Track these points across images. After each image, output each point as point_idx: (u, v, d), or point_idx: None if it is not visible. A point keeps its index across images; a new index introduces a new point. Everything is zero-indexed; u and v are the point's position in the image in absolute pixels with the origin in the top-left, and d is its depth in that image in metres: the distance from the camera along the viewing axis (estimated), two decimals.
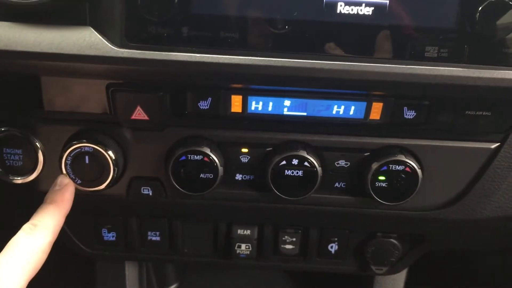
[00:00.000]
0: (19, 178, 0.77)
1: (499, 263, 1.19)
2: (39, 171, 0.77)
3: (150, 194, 0.81)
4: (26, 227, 0.65)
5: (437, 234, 0.90)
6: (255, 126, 0.77)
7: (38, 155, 0.76)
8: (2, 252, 0.62)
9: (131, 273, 1.09)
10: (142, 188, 0.81)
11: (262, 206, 0.84)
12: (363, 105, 0.73)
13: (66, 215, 0.70)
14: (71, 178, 0.74)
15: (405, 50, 0.65)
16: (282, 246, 0.94)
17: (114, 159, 0.75)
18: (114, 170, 0.75)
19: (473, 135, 0.77)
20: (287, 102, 0.73)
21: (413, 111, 0.73)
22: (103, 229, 0.93)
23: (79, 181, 0.75)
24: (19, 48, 0.62)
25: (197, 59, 0.64)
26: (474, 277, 1.27)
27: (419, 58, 0.65)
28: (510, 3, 0.61)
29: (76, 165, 0.74)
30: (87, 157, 0.74)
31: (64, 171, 0.74)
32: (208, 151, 0.75)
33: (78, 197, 0.73)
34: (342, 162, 0.79)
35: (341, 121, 0.75)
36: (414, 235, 0.93)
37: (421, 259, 0.98)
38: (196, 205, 0.84)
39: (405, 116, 0.73)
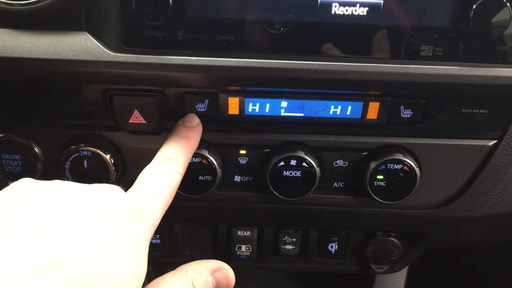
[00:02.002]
0: None
1: (501, 261, 1.19)
2: (38, 176, 0.77)
3: None
4: (161, 159, 0.62)
5: (437, 232, 0.91)
6: (253, 127, 0.77)
7: (36, 160, 0.76)
8: (138, 183, 0.58)
9: None
10: None
11: (261, 207, 0.84)
12: (359, 105, 0.73)
13: (192, 155, 0.67)
14: None
15: (401, 50, 0.65)
16: (282, 246, 0.94)
17: (113, 163, 0.75)
18: (113, 173, 0.75)
19: (471, 133, 0.77)
20: (284, 104, 0.73)
21: (410, 110, 0.73)
22: None
23: None
24: (15, 54, 0.62)
25: (193, 62, 0.64)
26: (476, 275, 1.27)
27: (415, 57, 0.65)
28: (504, 1, 0.61)
29: (75, 170, 0.74)
30: (85, 161, 0.74)
31: (63, 176, 0.74)
32: (206, 153, 0.75)
33: None
34: (340, 162, 0.79)
35: (338, 121, 0.75)
36: (414, 233, 0.93)
37: (422, 257, 0.98)
38: (196, 207, 0.84)
39: (402, 115, 0.73)
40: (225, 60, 0.64)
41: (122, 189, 0.56)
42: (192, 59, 0.64)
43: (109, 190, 0.54)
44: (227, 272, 0.61)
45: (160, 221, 0.57)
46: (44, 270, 0.43)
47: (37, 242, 0.44)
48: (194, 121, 0.70)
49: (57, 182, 0.52)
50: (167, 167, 0.61)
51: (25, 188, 0.50)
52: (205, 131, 0.75)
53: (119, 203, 0.53)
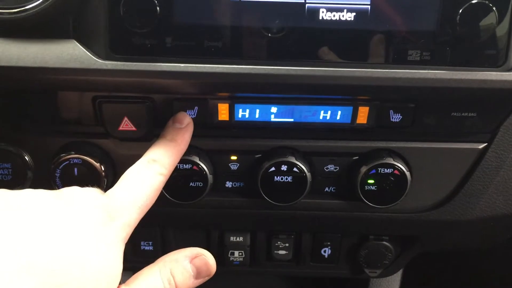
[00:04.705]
0: None
1: (495, 263, 1.19)
2: (29, 185, 0.77)
3: None
4: (144, 160, 0.61)
5: (429, 235, 0.91)
6: (243, 133, 0.77)
7: (27, 169, 0.76)
8: (118, 184, 0.58)
9: None
10: None
11: (253, 212, 0.84)
12: (349, 109, 0.73)
13: (181, 156, 0.67)
14: None
15: (388, 54, 0.66)
16: (275, 251, 0.93)
17: (103, 170, 0.75)
18: (103, 181, 0.75)
19: (460, 136, 0.77)
20: (273, 109, 0.74)
21: (399, 114, 0.73)
22: None
23: None
24: (3, 63, 0.62)
25: (181, 69, 0.64)
26: (470, 277, 1.27)
27: (402, 61, 0.65)
28: (490, 5, 0.62)
29: (66, 177, 0.74)
30: (76, 169, 0.74)
31: (53, 184, 0.74)
32: (197, 159, 0.75)
33: None
34: (331, 167, 0.80)
35: (328, 126, 0.75)
36: (406, 237, 0.93)
37: (416, 260, 0.98)
38: (187, 213, 0.84)
39: (391, 119, 0.74)
40: (214, 67, 0.64)
41: (101, 190, 0.57)
42: (180, 66, 0.64)
43: (82, 193, 0.55)
44: (206, 257, 0.61)
45: (138, 222, 0.58)
46: (12, 275, 0.44)
47: (6, 249, 0.45)
48: (184, 120, 0.69)
49: (28, 191, 0.53)
50: (150, 168, 0.61)
51: None
52: (195, 137, 0.75)
53: (90, 206, 0.53)
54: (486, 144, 0.78)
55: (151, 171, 0.61)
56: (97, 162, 0.74)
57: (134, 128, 0.72)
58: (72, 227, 0.50)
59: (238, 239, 0.92)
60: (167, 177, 0.63)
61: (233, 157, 0.79)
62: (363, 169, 0.76)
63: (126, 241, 0.56)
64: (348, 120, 0.74)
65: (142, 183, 0.59)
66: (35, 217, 0.49)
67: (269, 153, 0.77)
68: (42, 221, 0.49)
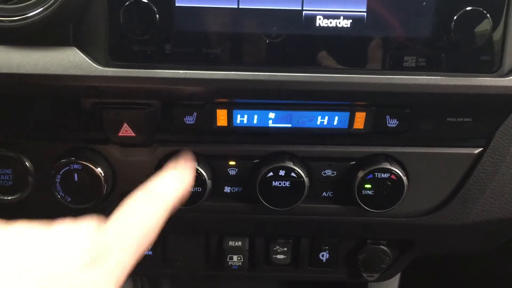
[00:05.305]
0: (9, 197, 0.78)
1: (492, 267, 1.20)
2: (29, 190, 0.77)
3: None
4: (145, 191, 0.55)
5: (426, 239, 0.91)
6: (242, 139, 0.78)
7: (27, 174, 0.76)
8: (114, 216, 0.51)
9: None
10: None
11: (252, 217, 0.85)
12: (346, 115, 0.74)
13: (185, 190, 0.60)
14: (61, 197, 0.75)
15: (384, 61, 0.66)
16: (273, 256, 0.94)
17: (103, 176, 0.76)
18: (103, 186, 0.76)
19: (456, 141, 0.78)
20: (271, 115, 0.74)
21: (396, 120, 0.74)
22: None
23: (69, 199, 0.76)
24: (4, 70, 0.63)
25: (180, 76, 0.65)
26: (468, 280, 1.28)
27: (398, 68, 0.66)
28: (484, 12, 0.62)
29: (66, 183, 0.75)
30: (76, 175, 0.75)
31: (54, 190, 0.75)
32: (196, 165, 0.75)
33: (69, 214, 0.73)
34: (328, 172, 0.80)
35: (325, 132, 0.76)
36: (404, 241, 0.94)
37: (414, 264, 0.99)
38: (186, 218, 0.84)
39: (388, 125, 0.74)
40: (212, 73, 0.65)
41: (98, 222, 0.52)
42: (179, 72, 0.65)
43: (71, 232, 0.50)
44: None
45: (134, 263, 0.50)
46: None
47: None
48: (188, 157, 0.67)
49: (16, 225, 0.49)
50: (153, 202, 0.54)
51: None
52: (194, 143, 0.76)
53: (78, 246, 0.48)
54: (482, 149, 0.79)
55: (153, 206, 0.54)
56: (97, 168, 0.75)
57: (133, 134, 0.73)
58: (55, 269, 0.45)
59: (237, 243, 0.93)
60: (172, 210, 0.56)
61: (232, 162, 0.79)
62: (360, 174, 0.77)
63: (119, 285, 0.48)
64: (345, 125, 0.75)
65: (142, 218, 0.52)
66: (16, 256, 0.45)
67: (267, 158, 0.78)
68: (21, 261, 0.45)
